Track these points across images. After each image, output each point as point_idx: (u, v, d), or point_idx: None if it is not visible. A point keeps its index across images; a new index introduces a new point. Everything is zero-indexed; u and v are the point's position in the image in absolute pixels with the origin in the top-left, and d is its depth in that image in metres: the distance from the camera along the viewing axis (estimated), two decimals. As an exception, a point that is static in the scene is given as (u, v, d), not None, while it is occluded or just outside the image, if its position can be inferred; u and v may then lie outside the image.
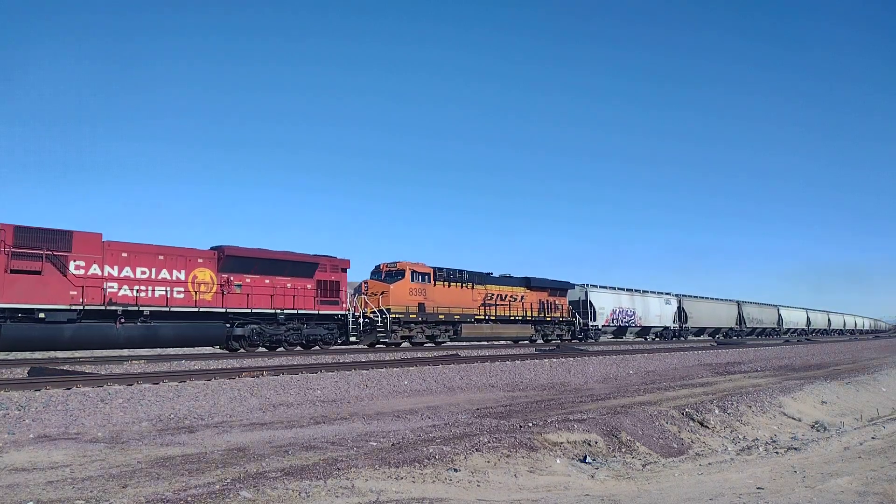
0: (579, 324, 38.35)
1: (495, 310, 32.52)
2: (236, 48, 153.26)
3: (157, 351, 22.20)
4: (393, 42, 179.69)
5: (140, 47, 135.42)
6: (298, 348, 23.80)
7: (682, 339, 48.70)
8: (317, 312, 24.02)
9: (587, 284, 40.96)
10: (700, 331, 53.71)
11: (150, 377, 13.18)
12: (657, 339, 46.20)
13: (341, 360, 19.16)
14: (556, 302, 36.81)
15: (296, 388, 13.01)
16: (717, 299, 57.30)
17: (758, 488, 6.74)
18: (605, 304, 41.40)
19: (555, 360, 21.38)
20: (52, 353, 19.61)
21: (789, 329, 70.85)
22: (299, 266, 23.81)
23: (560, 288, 37.65)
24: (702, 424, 11.85)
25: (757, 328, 63.23)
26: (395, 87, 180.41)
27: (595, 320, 39.95)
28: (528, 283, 35.34)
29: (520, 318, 33.88)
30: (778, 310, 69.46)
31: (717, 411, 12.75)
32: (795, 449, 9.78)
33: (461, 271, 31.25)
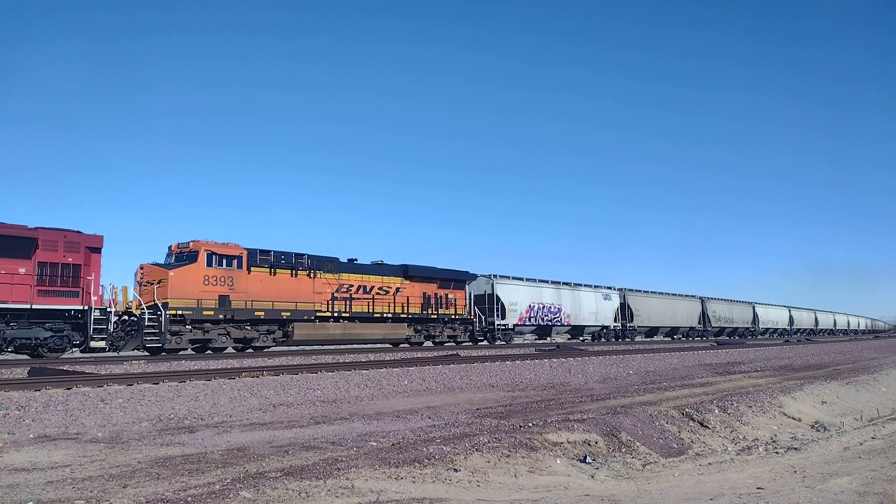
0: (480, 322, 32.57)
1: (350, 304, 26.00)
2: (236, 47, 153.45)
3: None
4: (392, 42, 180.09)
5: (140, 47, 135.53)
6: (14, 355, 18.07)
7: (627, 340, 42.97)
8: (30, 307, 17.40)
9: (494, 275, 34.94)
10: (652, 331, 48.32)
11: (150, 377, 13.20)
12: (593, 342, 40.03)
13: (341, 361, 19.18)
14: (450, 296, 30.84)
15: (296, 388, 13.03)
16: (673, 295, 51.60)
17: (758, 488, 6.74)
18: (519, 299, 35.63)
19: (555, 360, 21.44)
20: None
21: (767, 329, 65.23)
22: (1, 242, 17.31)
23: (455, 279, 31.60)
24: (702, 424, 11.85)
25: (726, 328, 57.41)
26: (394, 87, 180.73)
27: (504, 318, 34.23)
28: (405, 272, 29.18)
29: (390, 315, 27.72)
30: (753, 307, 63.53)
31: (717, 411, 12.75)
32: (795, 449, 9.78)
33: (299, 255, 24.68)
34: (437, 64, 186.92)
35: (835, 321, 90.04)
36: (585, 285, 42.09)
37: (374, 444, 8.23)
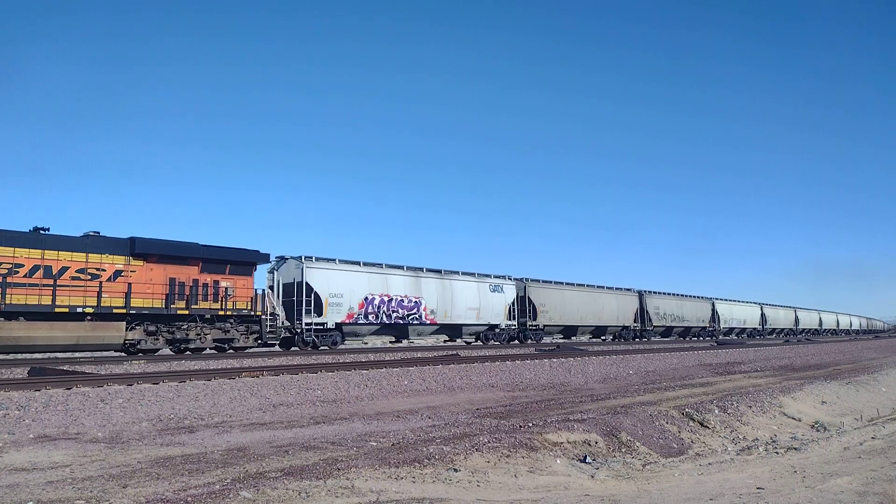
0: (274, 320, 23.88)
1: (5, 293, 17.77)
2: (235, 49, 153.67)
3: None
4: (393, 42, 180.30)
5: (140, 48, 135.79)
6: None
7: (529, 342, 34.63)
8: None
9: (307, 257, 26.28)
10: (567, 331, 39.55)
11: (150, 377, 13.20)
12: (480, 343, 33.02)
13: (341, 360, 19.18)
14: (223, 284, 22.62)
15: (296, 388, 13.03)
16: (597, 287, 42.87)
17: (758, 488, 6.74)
18: (347, 290, 26.88)
19: (555, 360, 21.49)
20: (51, 353, 19.56)
21: (732, 329, 57.68)
22: None
23: (233, 261, 22.89)
24: (702, 424, 11.85)
25: (674, 327, 49.40)
26: (394, 87, 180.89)
27: (320, 314, 25.68)
28: (131, 247, 20.36)
29: (92, 309, 19.23)
30: (712, 303, 55.17)
31: (717, 411, 12.75)
32: (795, 449, 9.78)
33: None
34: (437, 64, 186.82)
35: (820, 320, 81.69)
36: (465, 273, 33.16)
37: (374, 444, 8.23)
